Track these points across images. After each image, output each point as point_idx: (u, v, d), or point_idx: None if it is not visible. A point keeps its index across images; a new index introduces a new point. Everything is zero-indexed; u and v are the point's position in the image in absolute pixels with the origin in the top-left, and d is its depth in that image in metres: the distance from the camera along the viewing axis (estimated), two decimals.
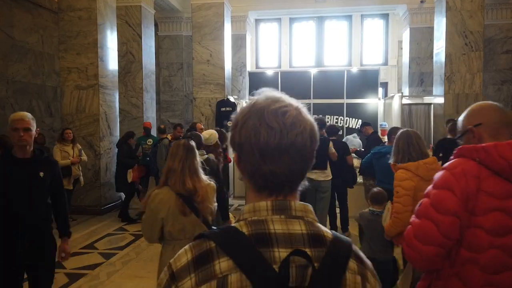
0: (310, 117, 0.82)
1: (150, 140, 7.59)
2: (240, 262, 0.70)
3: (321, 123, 5.38)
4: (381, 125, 7.69)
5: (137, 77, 9.05)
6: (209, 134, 4.32)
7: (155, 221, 2.34)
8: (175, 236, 2.33)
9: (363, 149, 6.38)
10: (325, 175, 5.17)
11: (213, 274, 0.71)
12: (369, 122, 7.21)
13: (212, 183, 2.50)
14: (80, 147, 6.59)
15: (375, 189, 3.42)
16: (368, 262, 0.84)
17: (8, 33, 8.55)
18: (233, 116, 0.86)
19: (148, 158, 7.09)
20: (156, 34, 10.76)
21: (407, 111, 8.35)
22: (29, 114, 2.64)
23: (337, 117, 9.97)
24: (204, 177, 2.46)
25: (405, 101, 8.45)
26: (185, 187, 2.33)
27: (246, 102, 10.31)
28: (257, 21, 13.08)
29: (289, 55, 13.09)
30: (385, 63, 12.68)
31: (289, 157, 0.77)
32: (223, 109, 8.57)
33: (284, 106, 0.79)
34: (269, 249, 0.72)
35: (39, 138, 7.58)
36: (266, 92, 0.84)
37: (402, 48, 11.64)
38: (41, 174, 2.58)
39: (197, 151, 2.50)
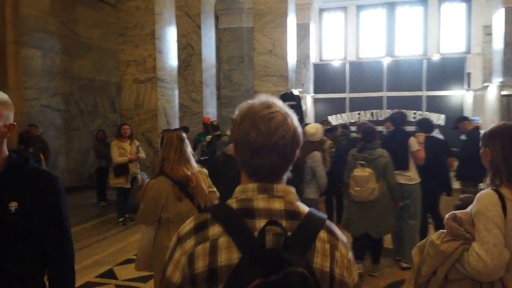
0: (296, 123, 0.97)
1: (210, 136, 7.16)
2: (227, 228, 0.89)
3: (400, 118, 4.50)
4: (472, 120, 6.53)
5: (196, 71, 8.66)
6: (315, 128, 3.78)
7: (156, 208, 2.47)
8: (171, 219, 2.48)
9: (458, 149, 5.33)
10: (408, 178, 4.28)
11: (207, 237, 0.90)
12: (466, 116, 6.09)
13: (204, 169, 2.70)
14: (138, 144, 6.28)
15: (458, 201, 2.66)
16: (342, 236, 0.97)
17: (72, 29, 8.59)
18: (236, 113, 0.99)
19: (205, 157, 6.63)
20: (216, 27, 10.35)
21: (505, 103, 7.05)
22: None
23: (415, 111, 8.82)
24: (195, 164, 2.62)
25: (504, 91, 7.15)
26: (179, 173, 2.48)
27: (311, 95, 9.60)
28: (321, 10, 12.22)
29: (356, 46, 12.08)
30: (468, 51, 11.19)
31: (272, 154, 0.93)
32: (287, 103, 7.84)
33: (273, 112, 0.94)
34: (252, 220, 0.90)
35: (99, 135, 7.46)
36: (262, 97, 0.98)
37: (491, 34, 10.11)
38: (13, 206, 1.37)
39: (187, 142, 2.65)
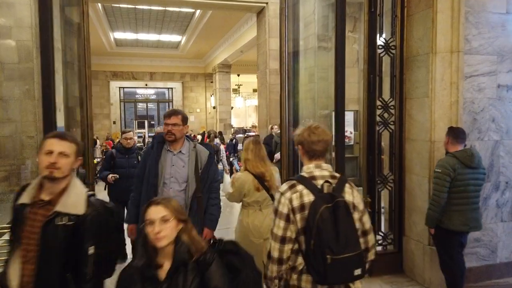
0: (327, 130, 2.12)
1: None
2: (306, 186, 1.91)
3: None
4: None
5: None
6: None
7: (239, 194, 3.28)
8: (250, 204, 3.27)
9: None
10: None
11: (296, 190, 1.91)
12: None
13: (275, 167, 3.52)
14: None
15: None
16: (354, 186, 2.05)
17: None
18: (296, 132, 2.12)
19: None
20: None
21: None
22: None
23: None
24: (269, 162, 3.42)
25: None
26: (257, 170, 3.27)
27: None
28: None
29: None
30: None
31: (324, 144, 2.05)
32: None
33: (317, 126, 2.07)
34: (316, 181, 1.94)
35: None
36: (307, 124, 2.12)
37: None
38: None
39: (262, 145, 3.47)
